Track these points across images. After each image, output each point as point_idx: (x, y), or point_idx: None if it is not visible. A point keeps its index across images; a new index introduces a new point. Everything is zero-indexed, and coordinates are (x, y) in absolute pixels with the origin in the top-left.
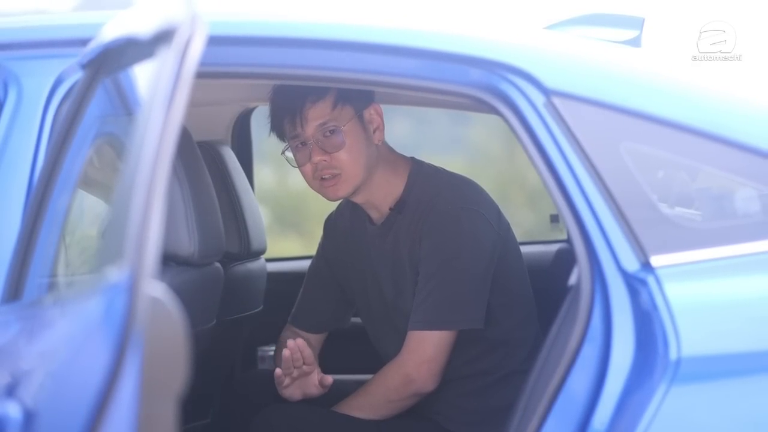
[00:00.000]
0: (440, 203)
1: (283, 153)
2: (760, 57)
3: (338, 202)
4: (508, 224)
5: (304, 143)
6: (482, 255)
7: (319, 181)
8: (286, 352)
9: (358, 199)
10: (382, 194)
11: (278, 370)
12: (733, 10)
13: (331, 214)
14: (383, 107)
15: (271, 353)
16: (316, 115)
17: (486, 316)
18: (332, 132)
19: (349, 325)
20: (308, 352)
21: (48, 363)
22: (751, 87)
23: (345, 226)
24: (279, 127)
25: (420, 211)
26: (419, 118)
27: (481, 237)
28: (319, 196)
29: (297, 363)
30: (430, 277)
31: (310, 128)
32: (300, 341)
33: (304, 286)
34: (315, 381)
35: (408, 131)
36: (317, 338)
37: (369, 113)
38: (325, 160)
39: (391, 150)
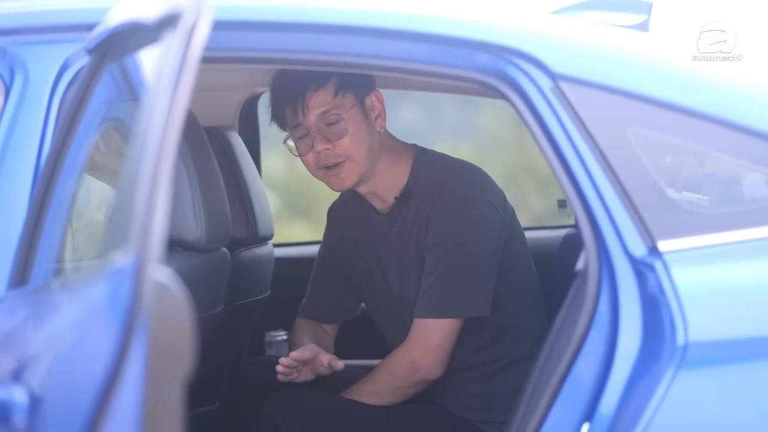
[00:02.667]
0: (448, 190)
1: (284, 142)
2: (760, 57)
3: None
4: (513, 210)
5: (306, 132)
6: (490, 242)
7: (323, 170)
8: (279, 369)
9: (362, 190)
10: (387, 183)
11: (282, 362)
12: (733, 10)
13: (333, 204)
14: (390, 93)
15: (278, 338)
16: (318, 104)
17: (492, 303)
18: (334, 120)
19: (359, 313)
20: (307, 355)
21: (54, 348)
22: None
23: (348, 216)
24: (280, 116)
25: (427, 199)
26: (427, 104)
27: (488, 224)
28: None
29: (297, 369)
30: (437, 264)
31: (312, 117)
32: (288, 360)
33: (312, 277)
34: (324, 362)
35: (416, 117)
36: (330, 327)
37: (370, 100)
38: (327, 149)
39: (393, 138)
